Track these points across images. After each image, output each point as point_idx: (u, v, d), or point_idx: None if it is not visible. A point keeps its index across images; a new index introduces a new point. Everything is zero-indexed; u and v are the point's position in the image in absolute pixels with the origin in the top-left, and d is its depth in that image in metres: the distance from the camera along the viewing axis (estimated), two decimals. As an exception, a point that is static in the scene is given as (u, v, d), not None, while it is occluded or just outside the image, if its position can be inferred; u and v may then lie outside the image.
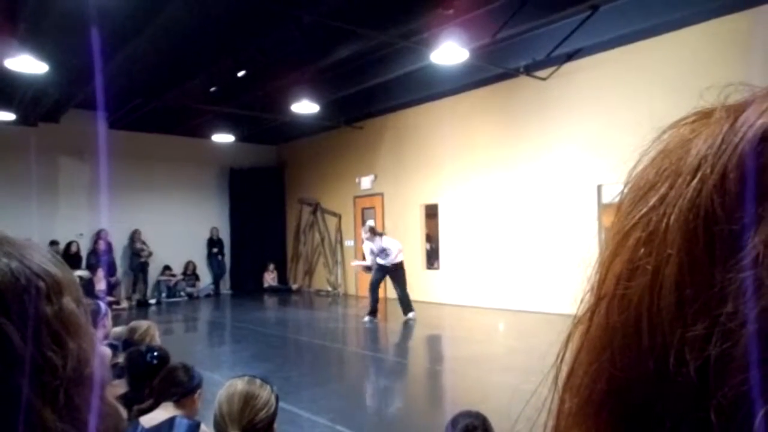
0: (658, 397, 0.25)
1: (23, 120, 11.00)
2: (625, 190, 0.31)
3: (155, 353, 2.77)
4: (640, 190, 0.29)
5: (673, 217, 0.26)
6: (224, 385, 1.87)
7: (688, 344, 0.24)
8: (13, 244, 0.43)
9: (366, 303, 10.05)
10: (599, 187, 8.86)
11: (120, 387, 2.71)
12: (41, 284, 0.42)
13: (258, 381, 1.88)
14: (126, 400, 2.46)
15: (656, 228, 0.27)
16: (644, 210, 0.28)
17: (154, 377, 2.54)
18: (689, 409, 0.24)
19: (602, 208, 8.84)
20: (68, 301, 0.44)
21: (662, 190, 0.28)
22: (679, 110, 0.31)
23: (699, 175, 0.26)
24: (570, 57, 8.88)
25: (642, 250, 0.27)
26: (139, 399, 2.40)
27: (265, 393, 1.84)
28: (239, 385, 1.84)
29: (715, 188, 0.25)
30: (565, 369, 0.31)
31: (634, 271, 0.27)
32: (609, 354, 0.28)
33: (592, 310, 0.30)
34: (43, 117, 11.33)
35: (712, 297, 0.24)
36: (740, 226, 0.24)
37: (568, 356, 0.31)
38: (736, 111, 0.28)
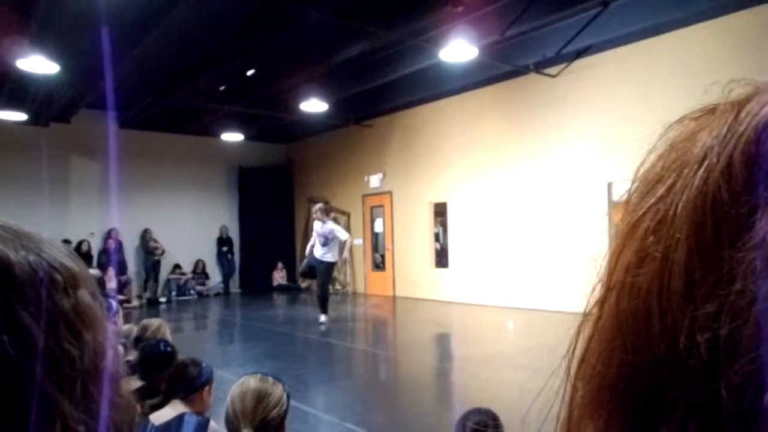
0: (670, 380, 0.25)
1: (35, 120, 11.10)
2: (633, 187, 0.32)
3: (167, 342, 2.79)
4: (648, 183, 0.30)
5: (680, 205, 0.27)
6: (237, 383, 1.87)
7: (698, 324, 0.25)
8: (30, 237, 0.44)
9: (376, 302, 10.02)
10: (609, 185, 8.81)
11: (133, 382, 2.73)
12: (58, 277, 0.43)
13: (270, 379, 1.89)
14: (138, 395, 2.47)
15: (664, 216, 0.28)
16: (652, 201, 0.29)
17: (165, 368, 2.57)
18: (701, 388, 0.24)
19: (613, 205, 8.79)
20: (84, 294, 0.45)
21: (669, 181, 0.29)
22: (690, 107, 0.32)
23: (705, 164, 0.27)
24: (580, 54, 8.84)
25: (651, 238, 0.28)
26: (153, 392, 2.41)
27: (277, 391, 1.85)
28: (252, 382, 1.84)
29: (722, 175, 0.26)
30: (576, 359, 0.32)
31: (644, 258, 0.28)
32: (620, 341, 0.28)
33: (602, 299, 0.31)
34: (55, 117, 11.42)
35: (721, 278, 0.25)
36: (747, 209, 0.25)
37: (580, 346, 0.32)
38: (739, 104, 0.28)
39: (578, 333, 0.32)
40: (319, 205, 9.38)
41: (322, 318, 9.08)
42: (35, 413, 0.37)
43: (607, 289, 0.30)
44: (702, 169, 0.27)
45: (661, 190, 0.29)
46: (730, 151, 0.26)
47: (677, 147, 0.30)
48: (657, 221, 0.28)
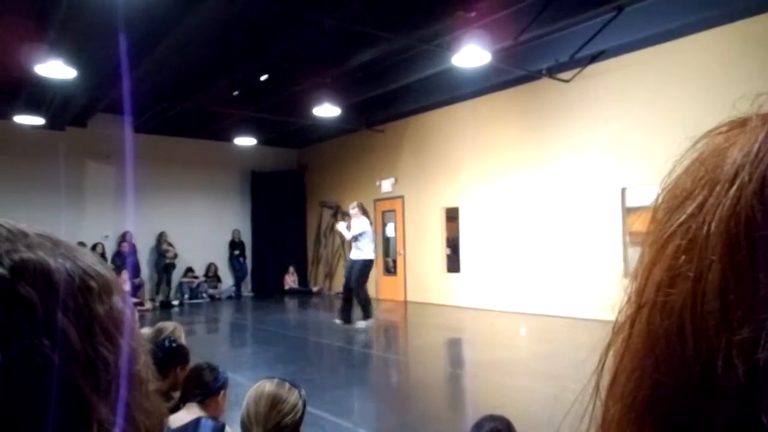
0: (706, 402, 0.25)
1: (52, 124, 11.24)
2: (660, 199, 0.31)
3: (172, 340, 2.82)
4: (676, 198, 0.30)
5: (713, 225, 0.27)
6: (253, 386, 1.88)
7: (735, 348, 0.24)
8: (65, 246, 0.45)
9: (388, 306, 10.01)
10: (623, 190, 8.75)
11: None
12: (93, 284, 0.44)
13: (287, 384, 1.88)
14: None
15: (696, 236, 0.27)
16: (682, 218, 0.29)
17: (174, 364, 2.59)
18: (739, 412, 0.24)
19: (626, 211, 8.72)
20: (117, 301, 0.46)
21: (700, 198, 0.28)
22: (705, 112, 0.32)
23: (737, 183, 0.27)
24: (594, 59, 8.79)
25: (683, 257, 0.28)
26: (163, 392, 2.43)
27: (292, 397, 1.84)
28: (267, 387, 1.84)
29: (755, 195, 0.26)
30: (607, 376, 0.31)
31: (675, 278, 0.28)
32: (652, 361, 0.28)
33: (633, 318, 0.30)
34: (71, 121, 11.56)
35: (757, 301, 0.24)
36: None
37: (610, 364, 0.31)
38: None
39: (607, 350, 0.32)
40: (357, 203, 9.65)
41: (363, 324, 8.88)
42: (73, 416, 0.39)
43: (638, 306, 0.30)
44: (734, 189, 0.27)
45: (691, 207, 0.28)
46: (763, 170, 0.26)
47: (705, 162, 0.29)
48: (688, 240, 0.28)
